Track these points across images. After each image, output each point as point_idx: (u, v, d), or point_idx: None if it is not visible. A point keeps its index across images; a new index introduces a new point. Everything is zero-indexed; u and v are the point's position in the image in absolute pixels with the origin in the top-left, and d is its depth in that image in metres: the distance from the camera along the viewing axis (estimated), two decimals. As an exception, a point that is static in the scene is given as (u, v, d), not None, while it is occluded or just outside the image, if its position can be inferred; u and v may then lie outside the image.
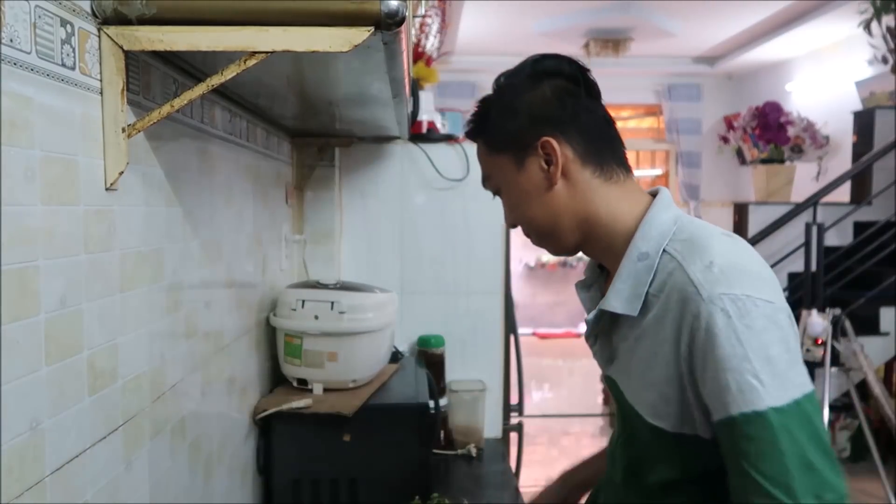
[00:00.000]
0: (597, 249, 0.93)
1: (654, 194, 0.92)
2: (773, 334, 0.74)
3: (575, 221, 0.90)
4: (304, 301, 1.63)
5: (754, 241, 3.97)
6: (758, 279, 0.77)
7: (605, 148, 0.91)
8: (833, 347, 3.52)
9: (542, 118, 0.89)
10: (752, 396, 0.71)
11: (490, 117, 0.93)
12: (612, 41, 5.29)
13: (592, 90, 0.91)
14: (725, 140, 5.33)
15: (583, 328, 0.98)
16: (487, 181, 0.97)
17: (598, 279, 0.99)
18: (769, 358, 0.73)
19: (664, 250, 0.83)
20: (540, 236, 0.94)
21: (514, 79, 0.92)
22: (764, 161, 4.94)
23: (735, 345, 0.73)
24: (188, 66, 1.02)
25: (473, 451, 1.97)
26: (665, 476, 0.86)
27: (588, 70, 0.91)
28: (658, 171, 6.93)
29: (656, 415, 0.83)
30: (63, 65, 0.70)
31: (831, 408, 3.58)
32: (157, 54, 0.92)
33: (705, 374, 0.75)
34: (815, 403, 0.74)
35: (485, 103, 0.95)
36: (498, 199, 0.99)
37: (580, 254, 0.96)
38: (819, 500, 0.70)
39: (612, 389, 0.96)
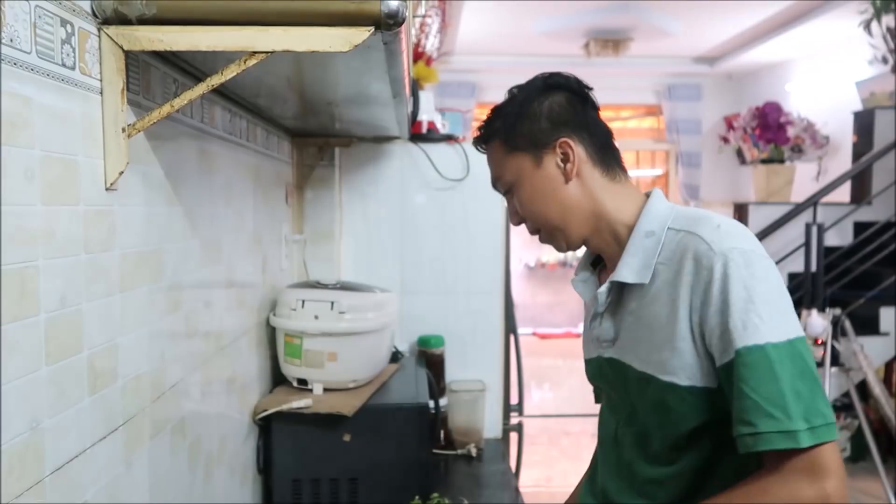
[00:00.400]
0: (602, 241, 1.01)
1: (647, 195, 1.03)
2: (771, 284, 0.85)
3: (584, 215, 0.99)
4: (304, 301, 1.63)
5: (754, 241, 3.95)
6: (754, 241, 0.90)
7: (609, 152, 1.02)
8: (833, 347, 3.51)
9: (559, 121, 0.99)
10: (753, 332, 0.82)
11: (508, 121, 1.01)
12: (612, 41, 5.28)
13: (594, 105, 1.04)
14: (725, 140, 5.33)
15: (581, 328, 1.00)
16: (499, 181, 1.04)
17: (593, 273, 1.08)
18: (769, 302, 0.84)
19: (668, 227, 0.94)
20: (550, 231, 1.02)
21: (529, 89, 1.02)
22: (764, 161, 4.94)
23: (742, 290, 0.84)
24: (188, 66, 1.03)
25: (473, 451, 1.97)
26: (675, 433, 0.92)
27: (591, 88, 1.03)
28: (658, 171, 6.92)
29: (669, 371, 0.90)
30: (63, 65, 0.70)
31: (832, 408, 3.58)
32: (157, 54, 0.92)
33: (715, 318, 0.85)
34: (805, 346, 0.85)
35: (500, 109, 1.03)
36: (498, 199, 1.04)
37: (580, 254, 1.05)
38: (809, 424, 0.79)
39: (607, 374, 1.02)
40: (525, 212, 1.02)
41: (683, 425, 0.91)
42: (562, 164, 0.98)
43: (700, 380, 0.88)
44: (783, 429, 0.79)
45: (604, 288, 0.99)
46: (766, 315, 0.82)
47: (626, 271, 0.95)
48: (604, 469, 1.06)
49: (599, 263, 1.09)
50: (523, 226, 1.05)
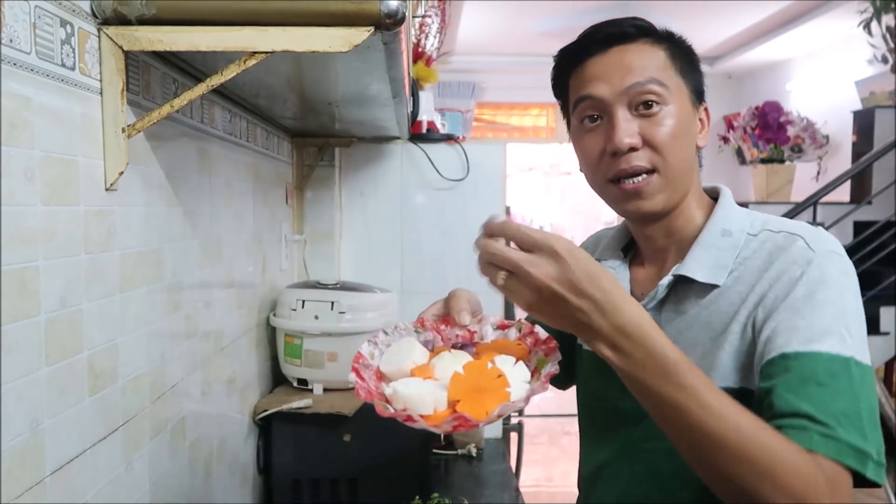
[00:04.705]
0: (671, 225, 0.91)
1: (709, 190, 0.96)
2: (859, 303, 0.78)
3: (689, 184, 0.89)
4: (304, 301, 1.63)
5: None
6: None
7: None
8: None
9: (704, 91, 0.92)
10: (840, 342, 0.73)
11: (682, 47, 0.90)
12: (612, 41, 5.28)
13: None
14: (725, 140, 5.33)
15: None
16: (661, 83, 0.85)
17: (623, 261, 0.98)
18: (858, 319, 0.76)
19: (748, 234, 0.86)
20: (666, 174, 0.85)
21: (692, 48, 0.93)
22: (764, 161, 4.94)
23: (837, 295, 0.76)
24: (188, 66, 1.03)
25: (473, 451, 1.97)
26: None
27: None
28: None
29: (722, 376, 0.81)
30: (63, 65, 0.70)
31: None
32: (156, 54, 0.92)
33: (791, 312, 0.76)
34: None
35: (668, 34, 0.90)
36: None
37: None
38: (878, 458, 0.70)
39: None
40: (663, 137, 0.84)
41: None
42: (699, 126, 0.90)
43: (748, 380, 0.79)
44: (860, 447, 0.69)
45: (666, 280, 0.87)
46: (855, 332, 0.75)
47: (695, 266, 0.85)
48: (611, 491, 0.94)
49: (629, 251, 0.99)
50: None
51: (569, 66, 0.90)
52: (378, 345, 0.79)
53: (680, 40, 0.90)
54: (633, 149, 0.84)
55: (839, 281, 0.77)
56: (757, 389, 0.76)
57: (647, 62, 0.85)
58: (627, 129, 0.84)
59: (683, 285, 0.87)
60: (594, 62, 0.87)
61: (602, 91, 0.85)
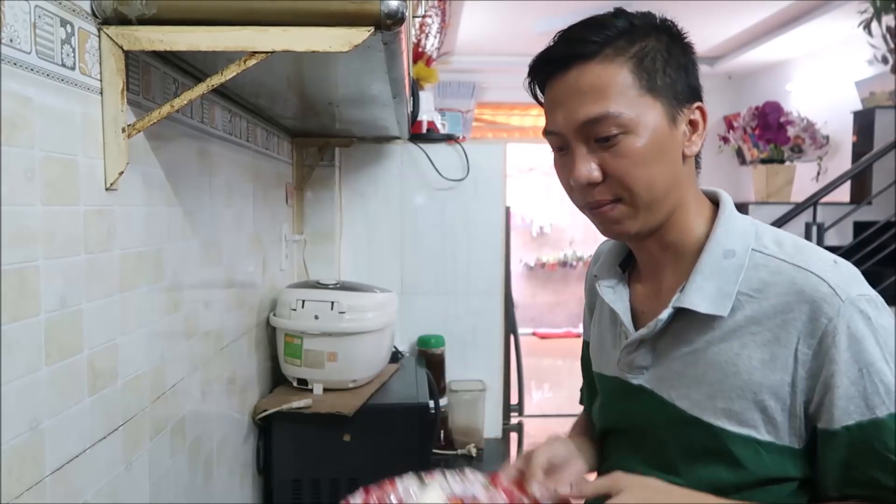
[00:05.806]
0: (664, 239, 0.86)
1: (709, 195, 0.90)
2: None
3: (675, 201, 0.83)
4: (304, 301, 1.63)
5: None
6: (865, 282, 0.79)
7: None
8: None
9: (698, 87, 0.84)
10: None
11: (651, 54, 0.80)
12: (612, 41, 5.28)
13: None
14: (725, 140, 5.33)
15: (583, 330, 0.92)
16: (607, 117, 0.78)
17: (621, 279, 0.94)
18: None
19: (753, 249, 0.81)
20: (637, 204, 0.81)
21: (673, 31, 0.84)
22: (764, 161, 4.94)
23: (876, 346, 0.73)
24: (188, 66, 1.03)
25: (473, 451, 1.97)
26: (732, 485, 0.81)
27: None
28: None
29: (746, 423, 0.79)
30: (63, 65, 0.70)
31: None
32: (157, 54, 0.92)
33: (838, 377, 0.73)
34: None
35: (633, 32, 0.80)
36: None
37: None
38: None
39: (633, 403, 0.89)
40: (624, 169, 0.79)
41: (744, 479, 0.79)
42: (688, 133, 0.82)
43: (781, 437, 0.78)
44: None
45: (665, 314, 0.82)
46: None
47: (697, 297, 0.80)
48: None
49: (628, 266, 0.94)
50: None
51: (539, 84, 0.88)
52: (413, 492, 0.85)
53: (658, 37, 0.81)
54: (593, 183, 0.80)
55: (872, 328, 0.74)
56: (822, 458, 0.76)
57: (605, 84, 0.78)
58: (585, 165, 0.80)
59: (685, 315, 0.82)
60: (555, 85, 0.83)
61: (559, 125, 0.82)
